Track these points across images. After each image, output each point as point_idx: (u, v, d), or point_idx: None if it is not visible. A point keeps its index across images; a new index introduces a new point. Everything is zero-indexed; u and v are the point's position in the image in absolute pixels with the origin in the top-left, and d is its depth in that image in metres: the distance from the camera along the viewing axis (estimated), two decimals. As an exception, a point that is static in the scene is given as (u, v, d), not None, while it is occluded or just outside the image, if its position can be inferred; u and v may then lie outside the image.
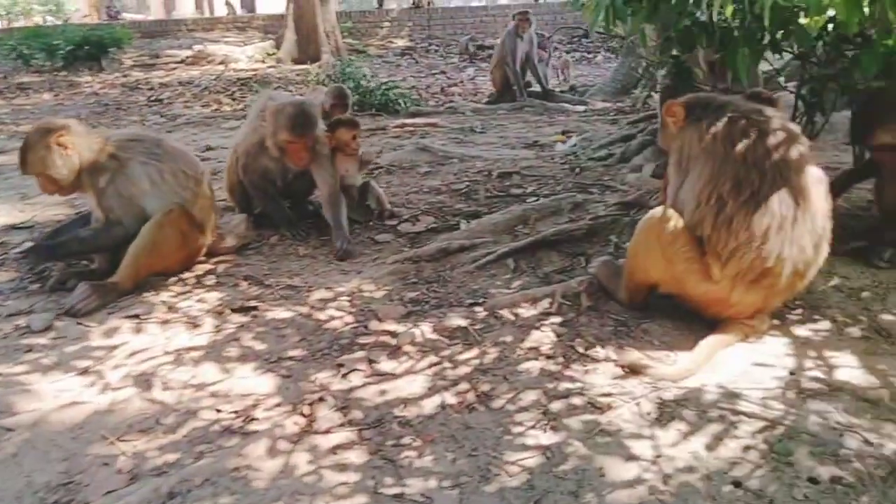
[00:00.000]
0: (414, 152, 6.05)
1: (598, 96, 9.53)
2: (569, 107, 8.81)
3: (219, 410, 2.49)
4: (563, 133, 7.05)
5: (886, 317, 2.92)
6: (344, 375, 2.67)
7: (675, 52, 4.22)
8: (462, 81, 13.04)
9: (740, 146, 2.67)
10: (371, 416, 2.44)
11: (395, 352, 2.82)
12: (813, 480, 2.08)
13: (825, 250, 2.74)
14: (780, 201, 2.61)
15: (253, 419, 2.43)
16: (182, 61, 14.98)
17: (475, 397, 2.52)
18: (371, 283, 3.46)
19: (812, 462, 2.15)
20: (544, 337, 2.90)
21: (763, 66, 4.68)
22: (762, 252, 2.63)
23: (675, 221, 2.78)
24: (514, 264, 3.59)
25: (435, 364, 2.74)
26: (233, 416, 2.46)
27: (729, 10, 3.07)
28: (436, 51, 17.55)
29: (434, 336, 2.94)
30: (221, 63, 14.44)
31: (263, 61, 15.03)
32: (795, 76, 4.85)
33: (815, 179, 2.69)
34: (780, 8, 2.97)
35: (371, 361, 2.76)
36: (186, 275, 3.63)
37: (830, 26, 3.62)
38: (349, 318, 3.10)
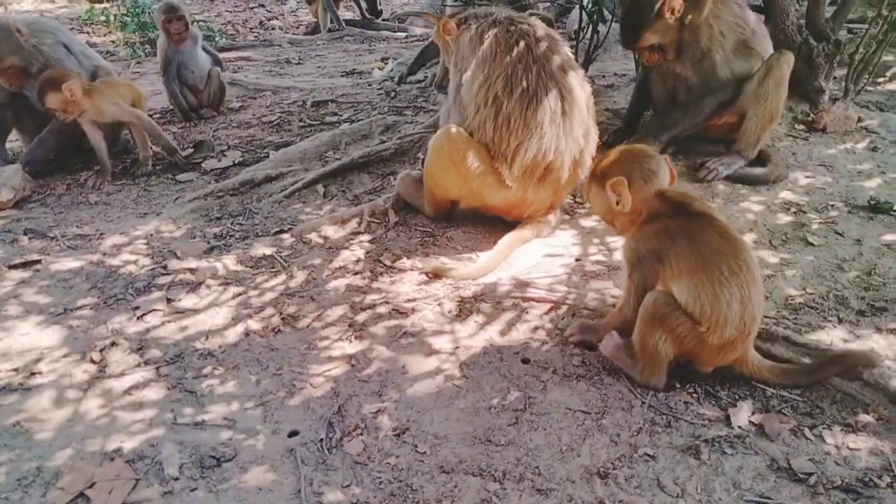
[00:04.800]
0: (223, 88, 5.69)
1: (419, 22, 9.45)
2: (389, 34, 8.68)
3: (-6, 371, 2.29)
4: (383, 59, 6.96)
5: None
6: (140, 317, 2.54)
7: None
8: (283, 14, 12.39)
9: (507, 47, 2.77)
10: (170, 353, 2.35)
11: (195, 287, 2.72)
12: (589, 347, 2.31)
13: (594, 137, 2.95)
14: (549, 96, 2.75)
15: (35, 373, 2.26)
16: (-52, 6, 12.88)
17: (280, 320, 2.51)
18: (171, 224, 3.27)
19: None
20: (352, 255, 2.92)
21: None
22: (542, 146, 2.79)
23: (463, 138, 2.85)
24: (323, 189, 3.55)
25: (239, 294, 2.67)
26: (12, 373, 2.27)
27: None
28: (254, -18, 16.42)
29: (238, 267, 2.86)
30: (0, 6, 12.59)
31: (53, 2, 13.31)
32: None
33: (578, 79, 2.86)
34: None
35: (170, 300, 2.64)
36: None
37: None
38: (146, 261, 2.93)
